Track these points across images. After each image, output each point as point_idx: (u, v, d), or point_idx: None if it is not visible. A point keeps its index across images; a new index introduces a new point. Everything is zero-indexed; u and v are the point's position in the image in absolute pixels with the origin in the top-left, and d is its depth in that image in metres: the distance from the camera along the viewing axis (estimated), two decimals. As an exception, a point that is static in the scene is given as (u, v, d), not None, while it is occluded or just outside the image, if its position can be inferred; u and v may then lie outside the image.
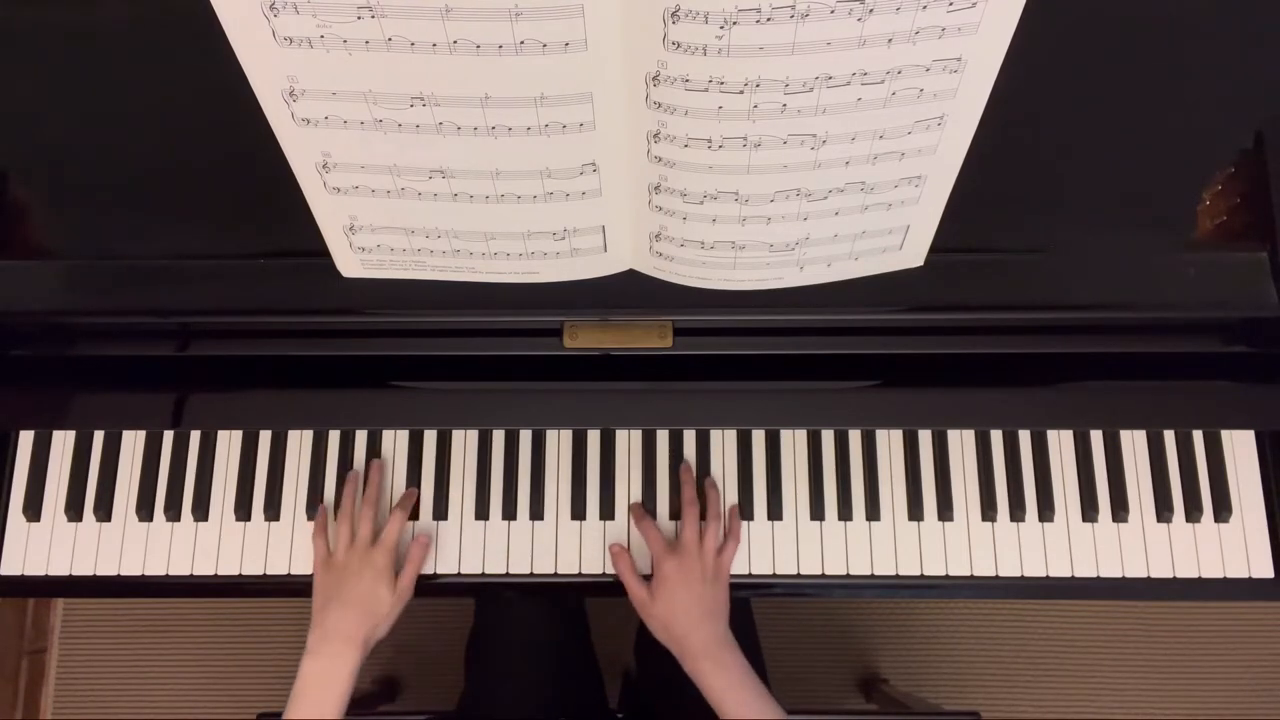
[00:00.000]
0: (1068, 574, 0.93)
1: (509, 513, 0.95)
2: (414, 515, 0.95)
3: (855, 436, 0.96)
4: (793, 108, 0.60)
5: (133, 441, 0.97)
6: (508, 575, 0.94)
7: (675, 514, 0.94)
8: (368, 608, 0.84)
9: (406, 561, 0.89)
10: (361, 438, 0.97)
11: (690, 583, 0.85)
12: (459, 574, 0.94)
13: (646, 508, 0.94)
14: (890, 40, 0.56)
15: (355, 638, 0.82)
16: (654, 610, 0.86)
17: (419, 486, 0.95)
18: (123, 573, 0.94)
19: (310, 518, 0.95)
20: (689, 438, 0.96)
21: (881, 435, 0.96)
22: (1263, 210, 0.79)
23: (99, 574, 0.94)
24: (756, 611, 1.10)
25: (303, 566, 0.94)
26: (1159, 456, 0.95)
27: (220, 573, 0.94)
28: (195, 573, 0.94)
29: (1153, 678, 1.66)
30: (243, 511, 0.95)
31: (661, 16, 0.54)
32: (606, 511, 0.95)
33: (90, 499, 0.95)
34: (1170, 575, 0.92)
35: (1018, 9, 0.55)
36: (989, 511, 0.93)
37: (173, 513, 0.95)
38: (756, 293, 0.78)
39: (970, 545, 0.93)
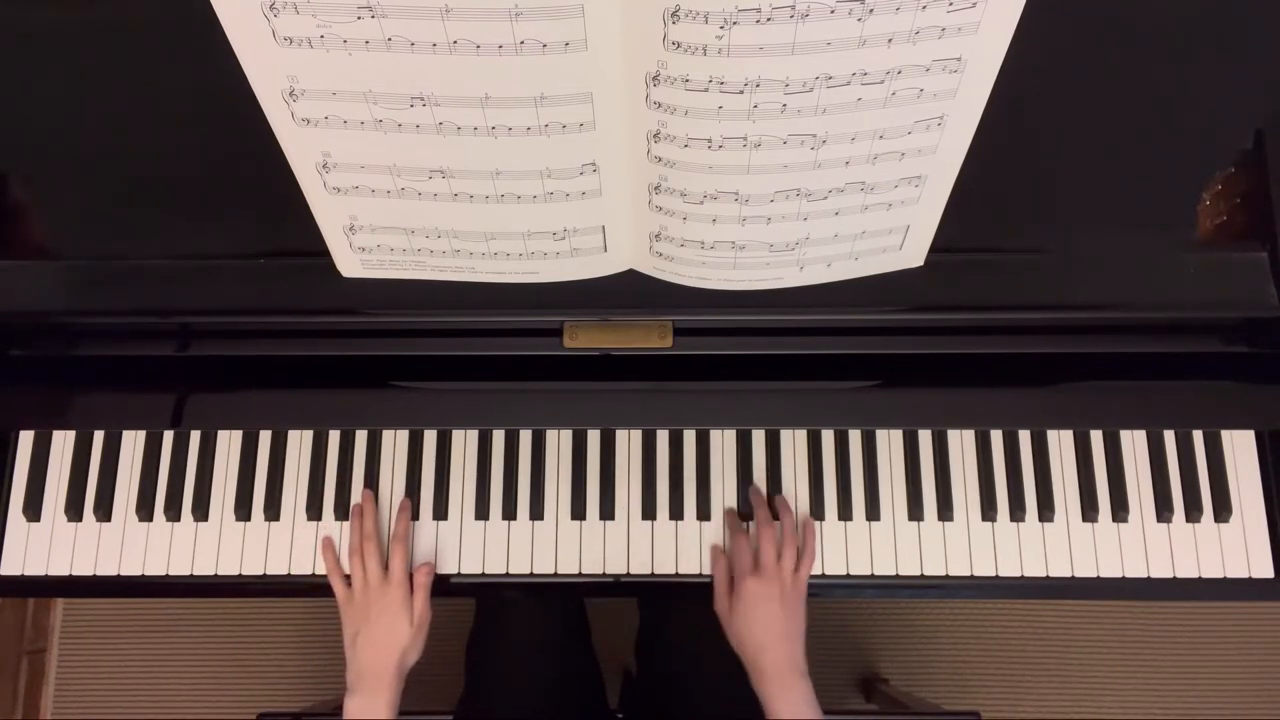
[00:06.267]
0: (1068, 574, 0.93)
1: (509, 513, 0.95)
2: (414, 515, 0.95)
3: (855, 436, 0.96)
4: (793, 108, 0.60)
5: (133, 441, 0.97)
6: (508, 575, 0.94)
7: (675, 514, 0.94)
8: (390, 641, 0.87)
9: (414, 590, 0.90)
10: (361, 438, 0.97)
11: (769, 603, 0.86)
12: (459, 574, 0.94)
13: (647, 508, 0.94)
14: (890, 40, 0.56)
15: (386, 671, 0.86)
16: (731, 624, 0.88)
17: (419, 486, 0.95)
18: (123, 573, 0.94)
19: (310, 518, 0.95)
20: (689, 438, 0.96)
21: (881, 435, 0.96)
22: (1263, 210, 0.79)
23: (99, 574, 0.94)
24: (756, 611, 1.10)
25: (303, 567, 0.94)
26: (1159, 456, 0.95)
27: (220, 573, 0.94)
28: (195, 573, 0.94)
29: (1153, 678, 1.66)
30: (243, 511, 0.95)
31: (661, 16, 0.54)
32: (606, 511, 0.95)
33: (90, 499, 0.95)
34: (1170, 575, 0.92)
35: (1018, 9, 0.55)
36: (989, 511, 0.93)
37: (173, 513, 0.95)
38: (756, 293, 0.78)
39: (970, 545, 0.93)
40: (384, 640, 0.87)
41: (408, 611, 0.88)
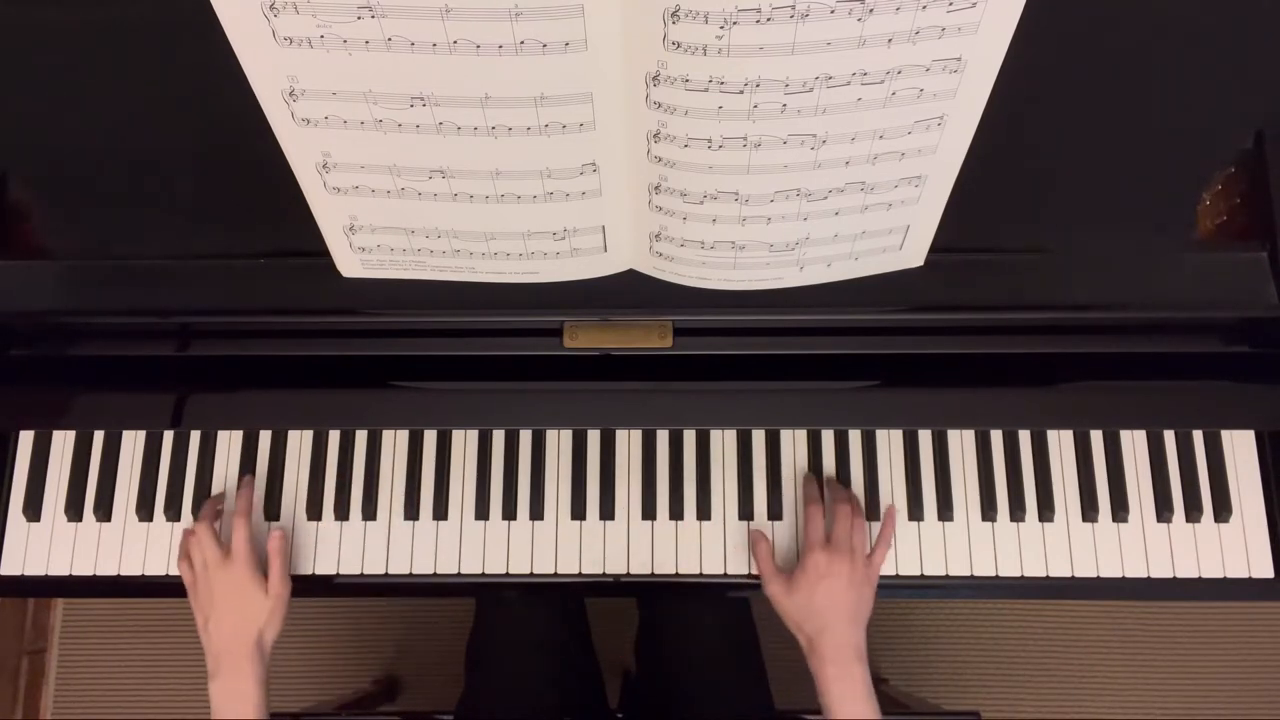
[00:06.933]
0: (1068, 574, 0.93)
1: (509, 513, 0.95)
2: (414, 515, 0.95)
3: (855, 436, 0.96)
4: (793, 108, 0.60)
5: (133, 441, 0.97)
6: (508, 575, 0.94)
7: (675, 514, 0.94)
8: (244, 615, 0.84)
9: (269, 559, 0.87)
10: (361, 438, 0.97)
11: (835, 578, 0.83)
12: (459, 574, 0.94)
13: (647, 508, 0.94)
14: (890, 40, 0.56)
15: (245, 648, 0.82)
16: (790, 601, 0.84)
17: (419, 486, 0.95)
18: (123, 573, 0.94)
19: (310, 517, 0.95)
20: (689, 438, 0.96)
21: (881, 435, 0.96)
22: (1263, 210, 0.79)
23: (99, 574, 0.94)
24: (756, 612, 1.10)
25: (303, 567, 0.94)
26: (1159, 456, 0.95)
27: (220, 573, 0.94)
28: (195, 573, 0.94)
29: (1153, 678, 1.66)
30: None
31: (661, 16, 0.54)
32: (606, 511, 0.95)
33: (90, 499, 0.95)
34: (1170, 575, 0.92)
35: (1018, 9, 0.55)
36: (989, 511, 0.93)
37: (173, 513, 0.95)
38: (756, 293, 0.78)
39: (970, 545, 0.93)
40: (235, 618, 0.84)
41: (258, 585, 0.85)
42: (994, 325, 0.85)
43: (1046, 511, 0.93)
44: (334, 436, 0.97)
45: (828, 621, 0.82)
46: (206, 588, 0.85)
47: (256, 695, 0.82)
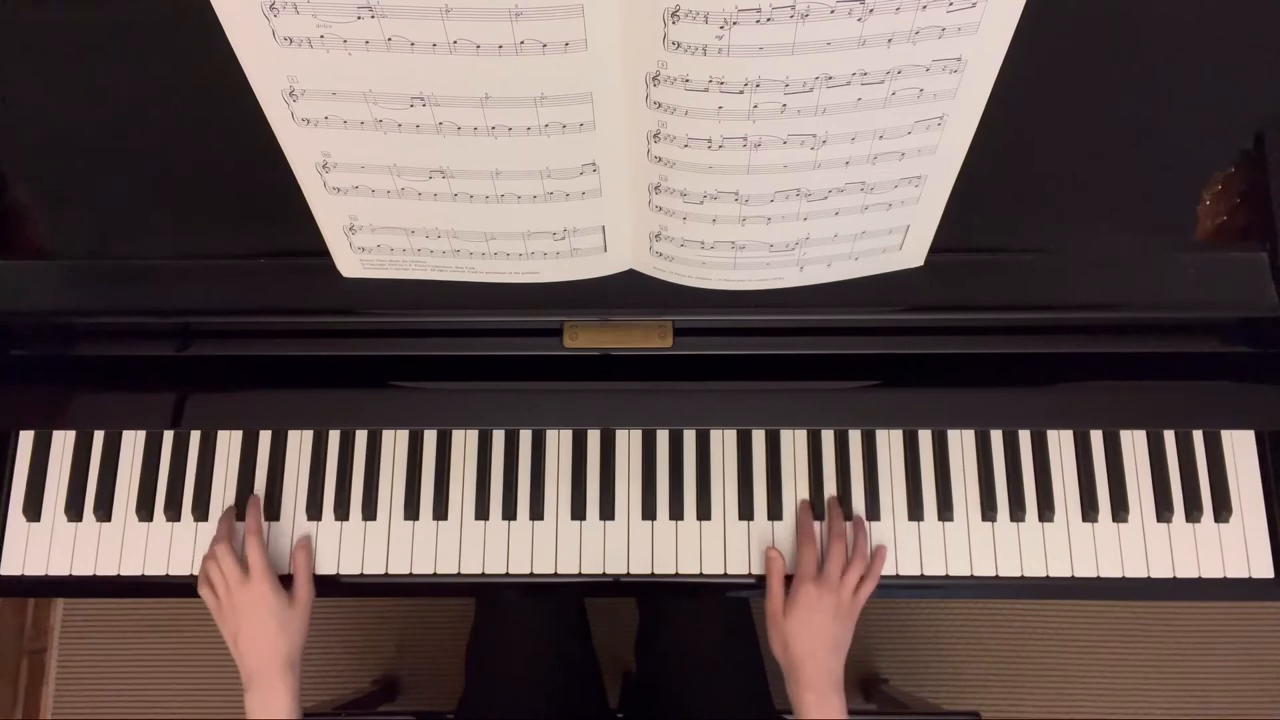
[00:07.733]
0: (1068, 574, 0.93)
1: (509, 513, 0.95)
2: (414, 515, 0.95)
3: (855, 436, 0.96)
4: (793, 108, 0.60)
5: (133, 441, 0.97)
6: (508, 575, 0.94)
7: (675, 514, 0.94)
8: (275, 628, 0.87)
9: (293, 570, 0.91)
10: (361, 438, 0.97)
11: (823, 613, 0.87)
12: (459, 574, 0.94)
13: (647, 508, 0.94)
14: (890, 40, 0.56)
15: (279, 660, 0.86)
16: (782, 625, 0.88)
17: (419, 486, 0.95)
18: (123, 573, 0.94)
19: (310, 518, 0.95)
20: (689, 438, 0.96)
21: (881, 435, 0.96)
22: (1263, 210, 0.79)
23: (99, 574, 0.94)
24: (756, 612, 1.10)
25: (303, 566, 0.94)
26: (1159, 456, 0.95)
27: (220, 573, 0.94)
28: (195, 573, 0.94)
29: (1153, 678, 1.66)
30: (243, 511, 0.95)
31: (661, 16, 0.54)
32: (606, 511, 0.95)
33: (90, 499, 0.95)
34: (1170, 575, 0.92)
35: (1018, 9, 0.55)
36: (989, 511, 0.93)
37: (173, 513, 0.95)
38: (756, 293, 0.78)
39: (970, 545, 0.93)
40: (267, 630, 0.86)
41: (282, 597, 0.88)
42: (994, 325, 0.85)
43: (1046, 511, 0.93)
44: (334, 436, 0.97)
45: (811, 649, 0.86)
46: (231, 607, 0.88)
47: (290, 704, 0.85)
